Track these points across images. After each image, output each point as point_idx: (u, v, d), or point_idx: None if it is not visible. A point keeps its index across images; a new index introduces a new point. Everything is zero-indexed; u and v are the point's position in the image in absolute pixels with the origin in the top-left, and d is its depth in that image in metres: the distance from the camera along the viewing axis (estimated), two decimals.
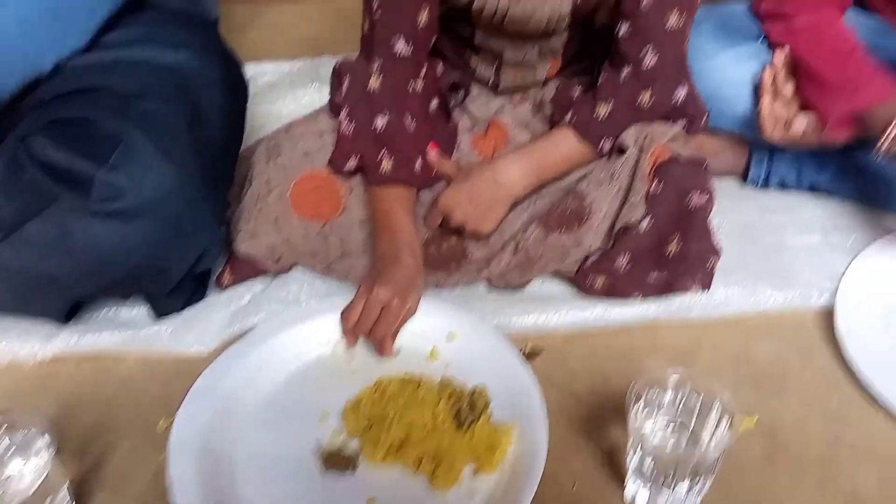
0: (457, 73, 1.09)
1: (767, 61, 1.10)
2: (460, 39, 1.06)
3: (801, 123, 1.04)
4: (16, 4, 0.85)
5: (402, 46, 0.95)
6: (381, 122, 0.96)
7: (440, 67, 1.05)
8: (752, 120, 1.11)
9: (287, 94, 1.43)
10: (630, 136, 0.97)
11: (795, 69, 1.07)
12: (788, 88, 1.07)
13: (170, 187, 0.84)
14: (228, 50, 1.10)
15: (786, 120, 1.06)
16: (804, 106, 1.06)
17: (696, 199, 0.93)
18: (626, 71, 0.95)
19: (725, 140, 1.20)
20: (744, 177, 1.22)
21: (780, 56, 1.07)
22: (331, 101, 1.04)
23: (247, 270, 1.04)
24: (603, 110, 0.97)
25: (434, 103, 1.05)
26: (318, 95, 1.41)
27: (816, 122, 1.03)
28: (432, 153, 1.02)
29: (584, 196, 0.98)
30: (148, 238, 0.84)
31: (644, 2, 0.91)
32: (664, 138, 0.96)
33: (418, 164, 0.99)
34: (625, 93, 0.96)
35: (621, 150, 0.98)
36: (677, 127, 0.98)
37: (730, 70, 1.12)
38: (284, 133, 1.04)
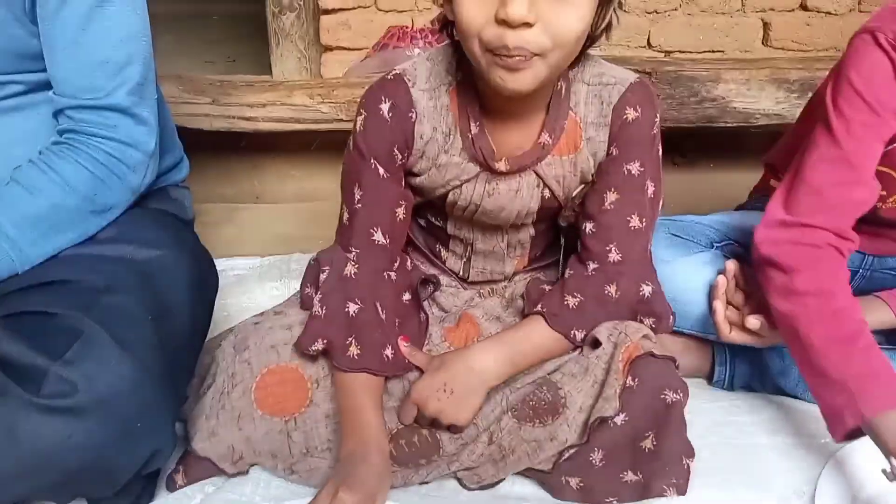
0: (427, 266, 1.12)
1: (721, 268, 1.14)
2: (433, 229, 1.09)
3: (755, 324, 1.06)
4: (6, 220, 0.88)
5: (379, 237, 0.97)
6: (353, 308, 0.96)
7: (410, 263, 1.08)
8: (711, 322, 1.13)
9: (255, 287, 1.45)
10: (603, 332, 0.98)
11: (746, 280, 1.10)
12: (738, 298, 1.11)
13: (126, 385, 0.80)
14: (201, 247, 1.11)
15: (740, 322, 1.09)
16: (758, 306, 1.08)
17: (672, 395, 0.93)
18: (591, 266, 0.98)
19: (689, 342, 1.22)
20: (709, 379, 1.23)
21: (731, 267, 1.11)
22: (302, 290, 1.04)
23: (201, 471, 0.98)
24: (571, 302, 0.98)
25: (406, 295, 1.06)
26: (286, 290, 1.43)
27: (769, 323, 1.05)
28: (403, 344, 1.01)
29: (559, 388, 0.97)
30: (96, 437, 0.79)
31: (606, 204, 0.96)
32: (637, 335, 0.97)
33: (387, 353, 0.98)
34: (592, 287, 0.98)
35: (595, 344, 0.98)
36: (647, 325, 1.00)
37: (687, 276, 1.16)
38: (252, 326, 1.03)
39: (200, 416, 0.97)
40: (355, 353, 0.95)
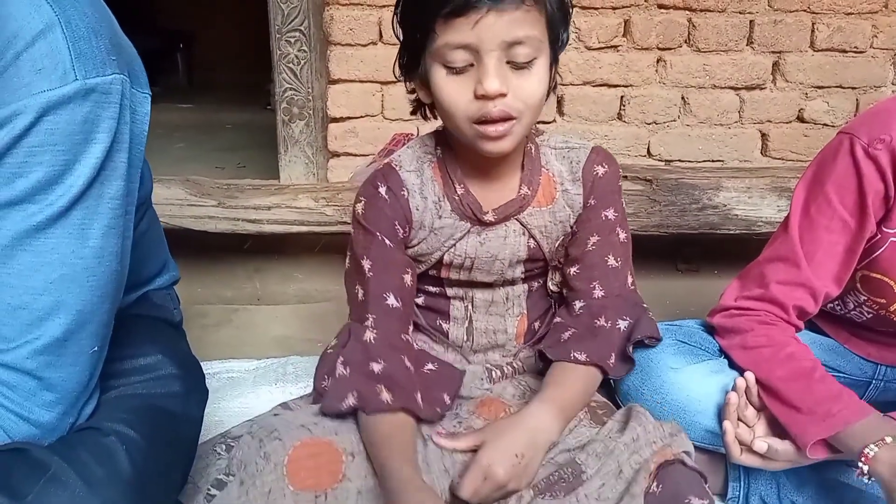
0: (431, 345, 1.13)
1: (731, 376, 1.10)
2: (432, 302, 1.13)
3: (761, 447, 1.02)
4: None
5: (392, 301, 1.03)
6: (377, 367, 0.98)
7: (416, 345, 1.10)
8: (720, 436, 1.09)
9: (249, 392, 1.42)
10: (640, 428, 0.95)
11: (756, 391, 1.07)
12: (750, 413, 1.06)
13: None
14: (189, 354, 1.07)
15: (751, 443, 1.05)
16: (768, 423, 1.05)
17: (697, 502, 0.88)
18: (578, 305, 1.08)
19: (699, 455, 1.16)
20: (722, 496, 1.17)
21: (741, 384, 1.07)
22: (317, 382, 1.04)
23: None
24: (566, 335, 1.07)
25: (430, 365, 1.08)
26: (280, 394, 1.39)
27: (789, 446, 1.01)
28: (441, 438, 0.99)
29: (583, 470, 0.93)
30: None
31: (588, 246, 1.07)
32: (679, 448, 0.94)
33: (417, 397, 0.98)
34: (582, 321, 1.08)
35: (623, 426, 0.97)
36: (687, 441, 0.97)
37: (695, 385, 1.12)
38: (272, 418, 1.00)
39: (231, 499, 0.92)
40: (388, 398, 0.95)
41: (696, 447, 1.13)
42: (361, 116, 2.14)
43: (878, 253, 1.06)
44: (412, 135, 1.97)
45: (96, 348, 0.81)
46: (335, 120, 2.14)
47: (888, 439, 0.92)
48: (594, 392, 1.06)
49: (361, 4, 2.03)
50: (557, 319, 1.10)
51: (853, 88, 2.19)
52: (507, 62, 0.89)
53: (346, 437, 0.96)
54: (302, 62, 2.16)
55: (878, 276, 1.08)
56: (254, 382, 1.45)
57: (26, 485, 0.72)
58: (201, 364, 1.08)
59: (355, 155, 2.16)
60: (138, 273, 1.05)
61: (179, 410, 0.95)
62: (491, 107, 0.89)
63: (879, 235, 1.05)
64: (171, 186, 1.82)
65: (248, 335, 1.71)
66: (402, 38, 0.97)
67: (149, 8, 5.33)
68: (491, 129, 0.91)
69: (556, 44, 0.96)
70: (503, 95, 0.89)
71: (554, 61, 0.97)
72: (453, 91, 0.91)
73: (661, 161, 2.23)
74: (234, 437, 1.02)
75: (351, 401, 0.96)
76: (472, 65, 0.89)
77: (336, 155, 2.18)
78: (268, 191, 1.89)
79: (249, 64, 4.48)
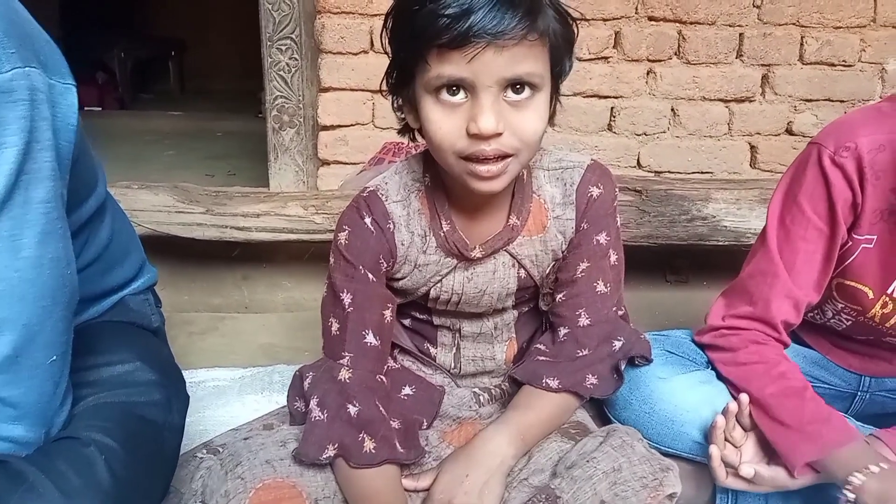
0: (418, 366, 1.11)
1: (718, 388, 1.11)
2: (419, 327, 1.10)
3: (748, 472, 1.02)
4: None
5: (371, 339, 0.98)
6: (353, 409, 0.94)
7: (399, 365, 1.09)
8: (707, 448, 1.08)
9: (235, 400, 1.41)
10: (628, 474, 0.92)
11: (748, 413, 1.07)
12: (737, 434, 1.06)
13: None
14: (170, 360, 1.06)
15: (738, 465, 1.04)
16: (756, 445, 1.05)
17: None
18: (563, 332, 1.04)
19: (686, 467, 1.16)
20: None
21: (732, 408, 1.06)
22: (290, 405, 1.02)
23: None
24: (542, 358, 1.04)
25: (407, 389, 1.06)
26: (267, 404, 1.38)
27: (775, 472, 1.01)
28: (406, 482, 0.97)
29: (558, 497, 0.91)
30: None
31: (578, 273, 1.03)
32: (668, 489, 0.92)
33: (397, 443, 0.95)
34: (565, 350, 1.03)
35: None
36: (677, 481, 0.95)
37: (683, 396, 1.13)
38: (241, 443, 0.97)
39: None
40: (371, 447, 0.92)
41: (683, 458, 1.14)
42: (352, 125, 2.13)
43: (850, 260, 1.07)
44: (403, 143, 1.97)
45: (55, 357, 0.77)
46: (325, 128, 2.13)
47: (874, 468, 0.92)
48: (567, 418, 1.04)
49: (353, 13, 2.03)
50: (537, 345, 1.06)
51: (842, 102, 2.21)
52: (505, 97, 0.83)
53: (312, 478, 0.93)
54: (293, 70, 2.16)
55: (852, 284, 1.09)
56: (240, 391, 1.43)
57: (3, 496, 0.71)
58: (187, 372, 1.07)
59: (345, 163, 2.16)
60: (110, 279, 1.04)
61: (160, 419, 0.94)
62: (485, 146, 0.83)
63: (851, 242, 1.06)
64: (160, 193, 1.81)
65: (235, 343, 1.70)
66: (391, 57, 0.90)
67: (141, 15, 5.33)
68: (483, 169, 0.85)
69: (559, 75, 0.90)
70: (498, 135, 0.83)
71: (555, 91, 0.91)
72: (444, 125, 0.84)
73: (651, 172, 2.23)
74: (216, 445, 1.01)
75: (331, 452, 0.92)
76: (465, 98, 0.83)
77: (326, 163, 2.18)
78: (257, 198, 1.88)
79: (241, 72, 4.48)
